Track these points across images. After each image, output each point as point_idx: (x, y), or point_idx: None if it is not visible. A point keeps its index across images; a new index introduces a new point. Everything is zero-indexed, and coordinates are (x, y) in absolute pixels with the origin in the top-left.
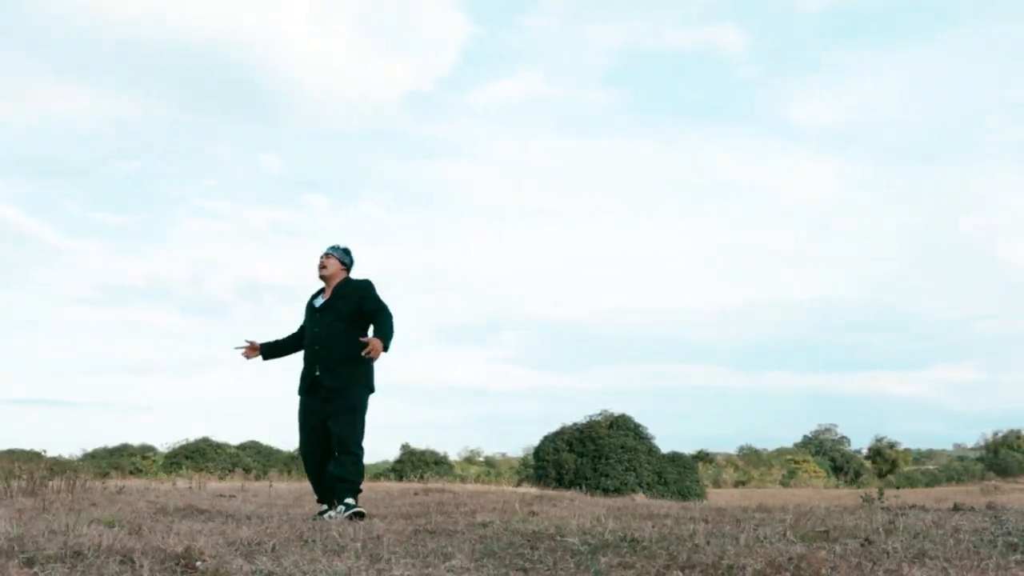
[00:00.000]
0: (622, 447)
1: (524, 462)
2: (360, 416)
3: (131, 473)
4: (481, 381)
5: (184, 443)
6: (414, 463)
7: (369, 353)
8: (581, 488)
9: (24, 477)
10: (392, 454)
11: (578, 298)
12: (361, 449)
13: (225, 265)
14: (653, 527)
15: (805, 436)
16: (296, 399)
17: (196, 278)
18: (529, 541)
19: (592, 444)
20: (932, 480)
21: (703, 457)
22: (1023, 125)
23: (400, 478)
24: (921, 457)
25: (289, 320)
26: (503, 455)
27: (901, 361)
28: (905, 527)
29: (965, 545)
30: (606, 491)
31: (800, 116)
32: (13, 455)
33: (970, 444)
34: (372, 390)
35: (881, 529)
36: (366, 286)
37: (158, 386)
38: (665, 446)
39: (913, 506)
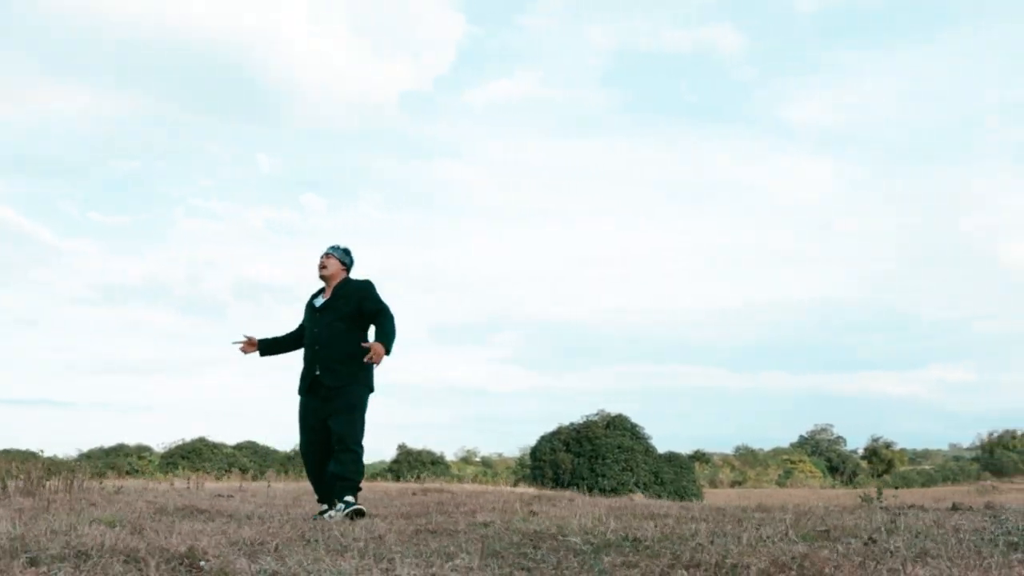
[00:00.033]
0: (619, 447)
1: (521, 462)
2: (360, 414)
3: (127, 473)
4: (478, 381)
5: (180, 443)
6: (411, 463)
7: (371, 358)
8: (578, 488)
9: (22, 477)
10: (389, 454)
11: (576, 298)
12: (361, 447)
13: (223, 265)
14: (655, 527)
15: (801, 436)
16: (296, 399)
17: (193, 278)
18: (531, 541)
19: (589, 444)
20: (928, 480)
21: (699, 457)
22: (1020, 125)
23: (397, 478)
24: (917, 457)
25: (287, 320)
26: (499, 455)
27: (898, 361)
28: (906, 526)
29: (966, 544)
30: (603, 491)
31: (798, 116)
32: (9, 455)
33: (966, 444)
34: (372, 389)
35: (883, 528)
36: (366, 286)
37: (155, 386)
38: (661, 446)
39: (912, 506)
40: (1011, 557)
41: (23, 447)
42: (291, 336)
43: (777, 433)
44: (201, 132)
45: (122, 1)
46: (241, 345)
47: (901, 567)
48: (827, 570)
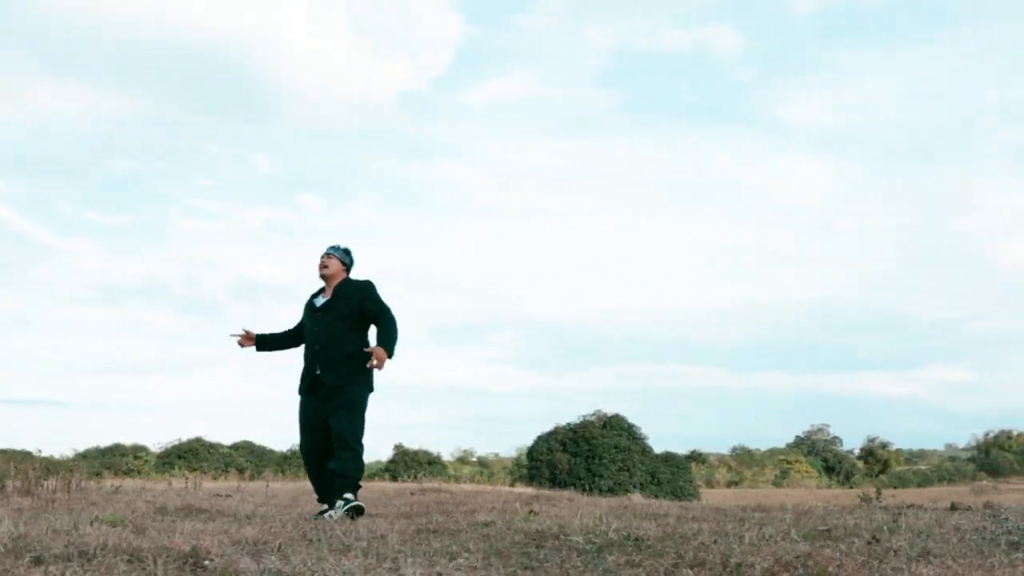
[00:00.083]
0: (615, 447)
1: (517, 462)
2: (360, 413)
3: (125, 473)
4: (475, 381)
5: (177, 443)
6: (407, 463)
7: (374, 364)
8: (575, 488)
9: (19, 477)
10: (385, 454)
11: (573, 298)
12: (361, 445)
13: (220, 265)
14: (657, 526)
15: (797, 436)
16: (296, 399)
17: (191, 278)
18: (534, 540)
19: (586, 444)
20: (924, 480)
21: (696, 457)
22: (1019, 126)
23: (394, 478)
24: (913, 457)
25: (284, 320)
26: (496, 455)
27: (895, 361)
28: (907, 526)
29: (968, 544)
30: (599, 491)
31: (796, 117)
32: (6, 455)
33: (962, 444)
34: (372, 389)
35: (885, 528)
36: (367, 287)
37: (152, 386)
38: (658, 446)
39: (911, 505)
40: (1013, 556)
41: (19, 447)
42: (289, 333)
43: (774, 433)
44: (199, 132)
45: (122, 1)
46: (239, 338)
47: (905, 566)
48: (831, 569)
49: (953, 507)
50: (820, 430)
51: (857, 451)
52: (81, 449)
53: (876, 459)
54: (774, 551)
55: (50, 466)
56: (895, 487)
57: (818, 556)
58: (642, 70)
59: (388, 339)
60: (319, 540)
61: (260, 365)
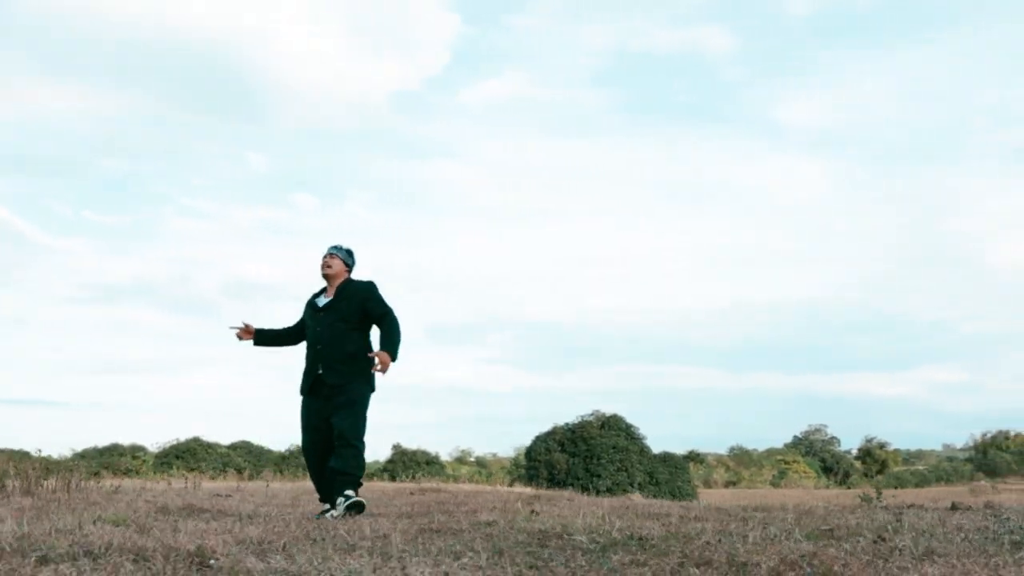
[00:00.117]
0: (614, 447)
1: (516, 462)
2: (361, 411)
3: (123, 473)
4: (472, 381)
5: (175, 443)
6: (405, 463)
7: (378, 368)
8: (573, 488)
9: (20, 477)
10: (383, 454)
11: (570, 298)
12: (362, 443)
13: (213, 264)
14: (661, 526)
15: (795, 436)
16: (296, 399)
17: (184, 277)
18: (537, 539)
19: (584, 444)
20: (921, 480)
21: (694, 457)
22: (1010, 127)
23: (393, 478)
24: (910, 458)
25: (279, 320)
26: (494, 455)
27: (890, 362)
28: (910, 526)
29: (972, 543)
30: (598, 491)
31: (789, 117)
32: (3, 455)
33: (959, 445)
34: (374, 388)
35: (889, 527)
36: (370, 287)
37: (148, 386)
38: (656, 446)
39: (911, 505)
40: (1017, 556)
41: (17, 447)
42: (288, 331)
43: (771, 433)
44: (194, 131)
45: (119, 1)
46: (237, 331)
47: (910, 565)
48: (836, 568)
49: (954, 507)
50: (818, 430)
51: (855, 451)
52: (79, 449)
53: (874, 459)
54: (779, 550)
55: (50, 466)
56: (892, 487)
57: (823, 555)
58: (637, 70)
59: (392, 342)
60: (323, 540)
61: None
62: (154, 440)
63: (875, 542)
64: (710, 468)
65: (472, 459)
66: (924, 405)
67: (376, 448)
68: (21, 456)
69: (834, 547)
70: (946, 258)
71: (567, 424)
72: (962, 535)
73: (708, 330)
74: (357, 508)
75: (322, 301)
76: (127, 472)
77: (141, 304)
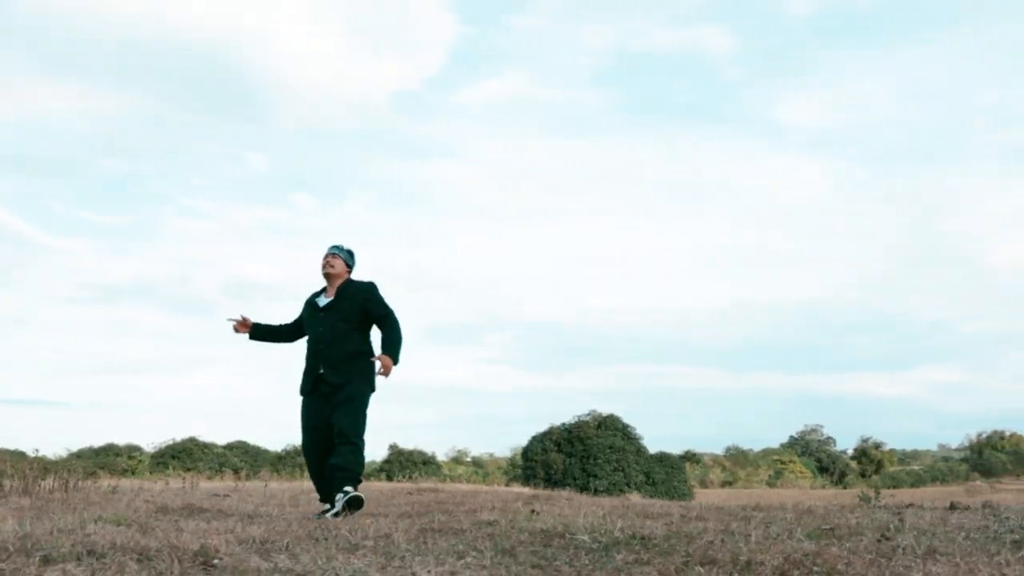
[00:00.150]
0: (610, 447)
1: (512, 462)
2: (361, 409)
3: (120, 473)
4: (471, 381)
5: (171, 443)
6: (402, 463)
7: (381, 372)
8: (570, 488)
9: (17, 477)
10: (380, 454)
11: (569, 298)
12: (362, 440)
13: (212, 264)
14: (663, 525)
15: (791, 437)
16: (296, 399)
17: (183, 277)
18: (540, 539)
19: (580, 444)
20: (917, 480)
21: (690, 457)
22: (1009, 127)
23: (389, 478)
24: (906, 458)
25: (277, 319)
26: (491, 455)
27: (888, 362)
28: (911, 525)
29: (974, 542)
30: (594, 491)
31: (788, 117)
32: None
33: (954, 445)
34: (374, 388)
35: (891, 526)
36: (371, 288)
37: (145, 386)
38: (652, 446)
39: (910, 505)
40: (1019, 554)
41: (13, 447)
42: (285, 328)
43: (767, 433)
44: (194, 131)
45: (122, 1)
46: (235, 323)
47: (913, 564)
48: (839, 567)
49: (952, 507)
50: (814, 430)
51: (850, 451)
52: (75, 449)
53: (869, 459)
54: (782, 549)
55: (47, 466)
56: (888, 487)
57: (826, 554)
58: (635, 70)
59: (393, 345)
60: (326, 539)
61: (253, 365)
62: (150, 440)
63: (879, 541)
64: (706, 468)
65: (468, 459)
66: (921, 405)
67: (373, 448)
68: (17, 456)
69: (836, 546)
70: (946, 258)
71: (564, 424)
72: (963, 534)
73: (705, 330)
74: (356, 503)
75: (323, 301)
76: (124, 472)
77: (141, 304)
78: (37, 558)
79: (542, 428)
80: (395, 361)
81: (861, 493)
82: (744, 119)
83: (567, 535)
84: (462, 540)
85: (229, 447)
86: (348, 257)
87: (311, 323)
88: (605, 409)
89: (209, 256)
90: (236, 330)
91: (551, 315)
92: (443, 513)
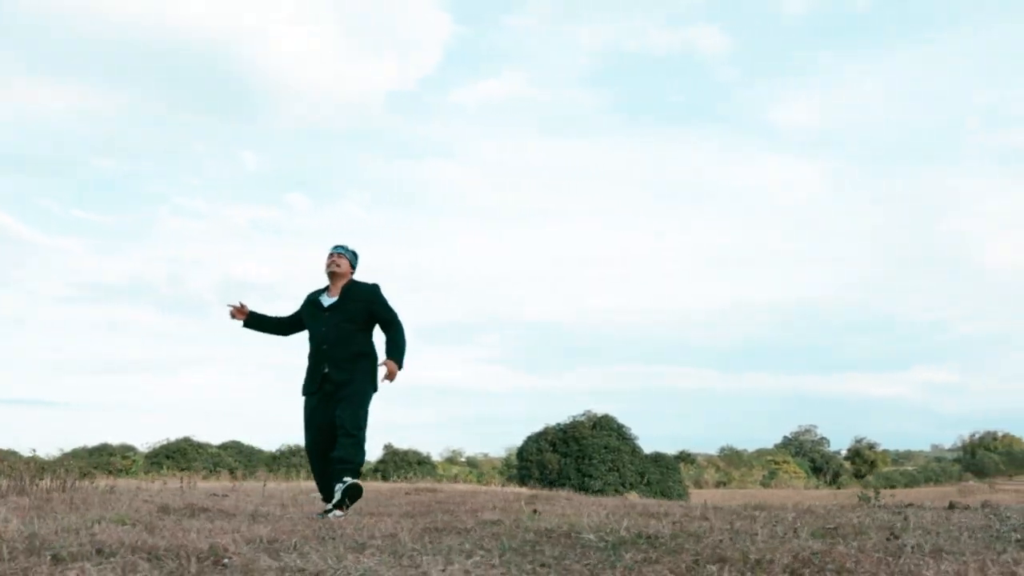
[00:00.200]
0: (605, 447)
1: (507, 462)
2: (363, 403)
3: (115, 473)
4: (470, 381)
5: (165, 443)
6: (397, 463)
7: (387, 378)
8: (564, 488)
9: (13, 476)
10: (375, 454)
11: (562, 299)
12: (363, 434)
13: (207, 264)
14: (672, 524)
15: (785, 437)
16: (298, 399)
17: (177, 277)
18: (545, 538)
19: (575, 444)
20: (911, 481)
21: (684, 458)
22: (1002, 128)
23: (385, 478)
24: (899, 458)
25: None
26: (485, 455)
27: (881, 362)
28: (915, 524)
29: (979, 541)
30: (589, 491)
31: (782, 118)
32: None
33: (947, 445)
34: (376, 389)
35: (898, 525)
36: (376, 291)
37: (139, 385)
38: (647, 446)
39: (909, 504)
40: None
41: (5, 446)
42: (280, 320)
43: (761, 434)
44: (188, 131)
45: (122, 1)
46: (232, 309)
47: (922, 562)
48: (848, 565)
49: (951, 506)
50: (808, 431)
51: (844, 452)
52: (68, 449)
53: (863, 460)
54: (790, 548)
55: (44, 466)
56: (882, 488)
57: (834, 553)
58: (629, 70)
59: (398, 350)
60: (333, 538)
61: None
62: (144, 440)
63: (887, 540)
64: (700, 468)
65: (463, 459)
66: (915, 406)
67: (368, 448)
68: (10, 455)
69: (842, 545)
70: (938, 259)
71: (559, 424)
72: (968, 534)
73: (700, 330)
74: (354, 491)
75: (327, 300)
76: (119, 472)
77: (135, 303)
78: (48, 557)
79: (536, 428)
80: (400, 366)
81: (861, 493)
82: (740, 119)
83: (573, 534)
84: (468, 539)
85: (223, 447)
86: (353, 257)
87: (314, 322)
88: (601, 409)
89: (204, 256)
90: (233, 316)
91: (549, 315)
92: (445, 513)
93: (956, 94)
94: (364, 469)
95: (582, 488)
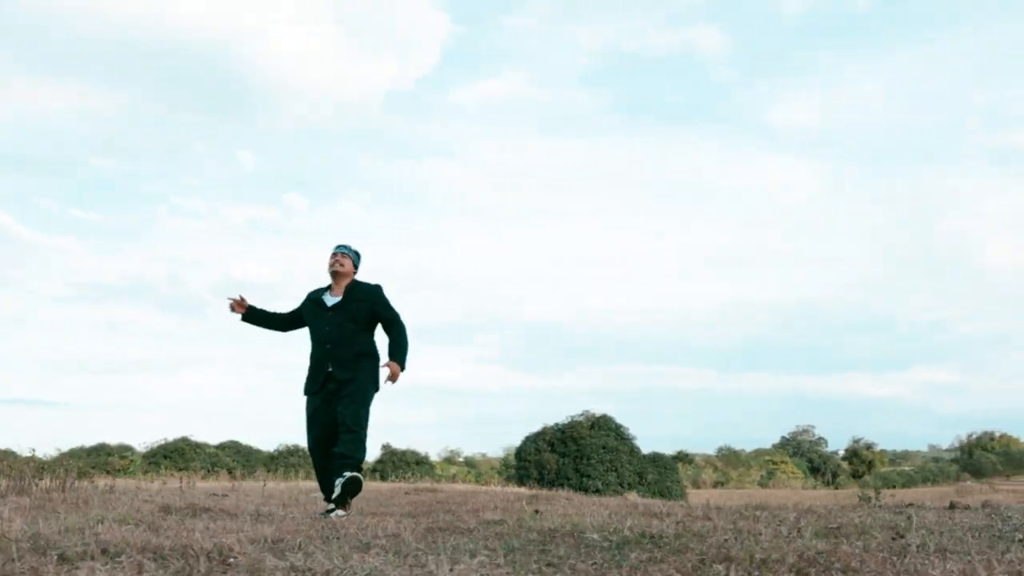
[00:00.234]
0: (603, 447)
1: (505, 462)
2: (365, 402)
3: (111, 473)
4: (469, 381)
5: (163, 443)
6: (395, 463)
7: (390, 379)
8: (565, 488)
9: (13, 476)
10: (373, 454)
11: (562, 299)
12: (364, 431)
13: (206, 264)
14: (676, 523)
15: (783, 437)
16: (284, 399)
17: (176, 277)
18: (549, 538)
19: (574, 444)
20: (908, 481)
21: (682, 458)
22: (1002, 128)
23: (383, 478)
24: (897, 458)
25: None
26: (483, 455)
27: (879, 362)
28: (919, 524)
29: (983, 541)
30: (587, 491)
31: (782, 118)
32: None
33: (945, 445)
34: (378, 388)
35: (901, 524)
36: (378, 292)
37: (136, 385)
38: (645, 446)
39: (910, 504)
40: None
41: (3, 446)
42: (279, 316)
43: (759, 434)
44: (186, 131)
45: (122, 1)
46: (232, 301)
47: (928, 561)
48: (853, 564)
49: (952, 506)
50: (805, 431)
51: (842, 452)
52: (65, 448)
53: (861, 460)
54: (795, 548)
55: (44, 465)
56: (880, 488)
57: (839, 553)
58: (628, 71)
59: (401, 351)
60: (337, 538)
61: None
62: (142, 440)
63: (893, 539)
64: (698, 468)
65: (461, 459)
66: (914, 406)
67: (368, 447)
68: (7, 455)
69: (847, 544)
70: (936, 259)
71: (557, 424)
72: (971, 534)
73: (699, 330)
74: (353, 483)
75: (331, 300)
76: (117, 472)
77: (134, 303)
78: (54, 557)
79: (534, 428)
80: (402, 368)
81: (861, 493)
82: (740, 119)
83: (576, 534)
84: (471, 539)
85: (221, 447)
86: (356, 257)
87: (317, 321)
88: (600, 409)
89: (203, 256)
90: (232, 309)
91: (549, 315)
92: (447, 513)
93: (956, 94)
94: (363, 469)
95: (580, 488)
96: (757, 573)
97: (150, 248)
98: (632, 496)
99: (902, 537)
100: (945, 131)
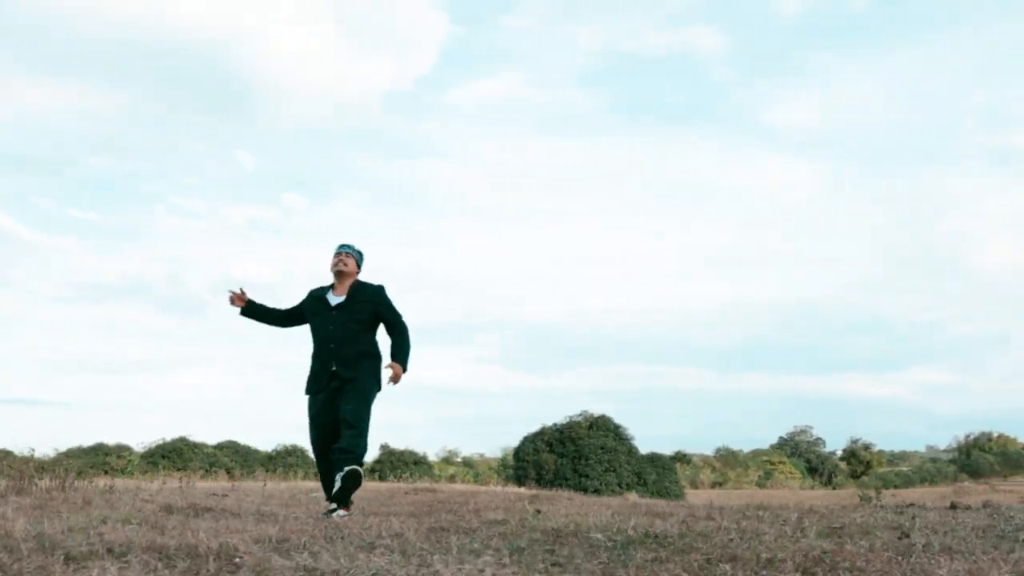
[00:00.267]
0: (602, 448)
1: (504, 462)
2: (367, 400)
3: (109, 472)
4: (469, 382)
5: (161, 443)
6: (393, 463)
7: (392, 381)
8: (562, 488)
9: (13, 476)
10: (371, 454)
11: (562, 299)
12: (365, 425)
13: (205, 264)
14: (680, 523)
15: (781, 438)
16: (282, 399)
17: (176, 277)
18: (553, 538)
19: (572, 444)
20: (906, 481)
21: (680, 458)
22: (1001, 128)
23: (381, 478)
24: (894, 459)
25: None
26: (481, 455)
27: (877, 363)
28: (922, 523)
29: (987, 540)
30: (585, 491)
31: (781, 118)
32: None
33: (942, 446)
34: (380, 388)
35: (906, 524)
36: (382, 292)
37: (134, 385)
38: (644, 447)
39: (911, 504)
40: None
41: (2, 446)
42: (278, 312)
43: (757, 434)
44: (185, 130)
45: (122, 1)
46: (232, 294)
47: (933, 561)
48: (859, 563)
49: (953, 506)
50: (803, 431)
51: (840, 452)
52: (63, 448)
53: (858, 460)
54: (800, 547)
55: (43, 465)
56: (877, 488)
57: (844, 552)
58: (626, 71)
59: (404, 352)
60: (342, 538)
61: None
62: (140, 440)
63: (898, 539)
64: (697, 469)
65: (459, 459)
66: (912, 406)
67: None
68: (7, 456)
69: (851, 544)
70: (934, 259)
71: (555, 425)
72: (974, 533)
73: (696, 331)
74: (353, 477)
75: (334, 300)
76: (116, 472)
77: (133, 303)
78: (60, 557)
79: (533, 428)
80: (404, 369)
81: (862, 493)
82: (739, 119)
83: (580, 534)
84: (475, 539)
85: (219, 447)
86: (359, 257)
87: (319, 320)
88: (599, 409)
89: (202, 256)
90: (232, 302)
91: (549, 315)
92: (448, 513)
93: (955, 94)
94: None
95: (579, 488)
96: (763, 573)
97: (149, 248)
98: (632, 496)
99: (907, 537)
100: (944, 131)
